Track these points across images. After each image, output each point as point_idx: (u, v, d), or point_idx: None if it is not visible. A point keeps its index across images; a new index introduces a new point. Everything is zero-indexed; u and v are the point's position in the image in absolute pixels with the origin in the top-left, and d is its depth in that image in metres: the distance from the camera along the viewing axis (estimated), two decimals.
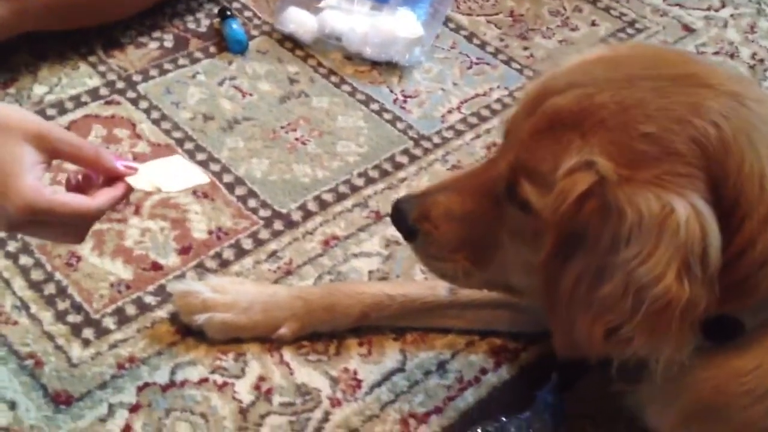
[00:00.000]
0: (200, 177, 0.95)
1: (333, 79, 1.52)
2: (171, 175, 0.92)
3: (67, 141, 0.83)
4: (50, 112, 1.38)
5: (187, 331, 1.09)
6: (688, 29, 1.70)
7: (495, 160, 0.84)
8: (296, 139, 1.39)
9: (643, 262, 0.68)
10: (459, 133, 1.43)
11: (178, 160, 0.97)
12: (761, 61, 1.63)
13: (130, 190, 0.88)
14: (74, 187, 0.87)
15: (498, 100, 1.50)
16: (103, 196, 0.85)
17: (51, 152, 0.82)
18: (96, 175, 0.88)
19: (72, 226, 0.85)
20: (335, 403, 1.03)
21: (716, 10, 1.75)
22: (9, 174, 0.77)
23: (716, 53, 1.64)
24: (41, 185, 0.79)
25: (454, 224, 0.87)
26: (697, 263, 0.67)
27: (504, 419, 0.97)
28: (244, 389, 1.04)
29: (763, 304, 0.74)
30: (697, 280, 0.68)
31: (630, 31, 1.68)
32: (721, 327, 0.74)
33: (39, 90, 1.42)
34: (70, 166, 0.90)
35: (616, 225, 0.69)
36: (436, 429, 1.02)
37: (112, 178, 0.87)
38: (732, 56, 1.64)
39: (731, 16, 1.74)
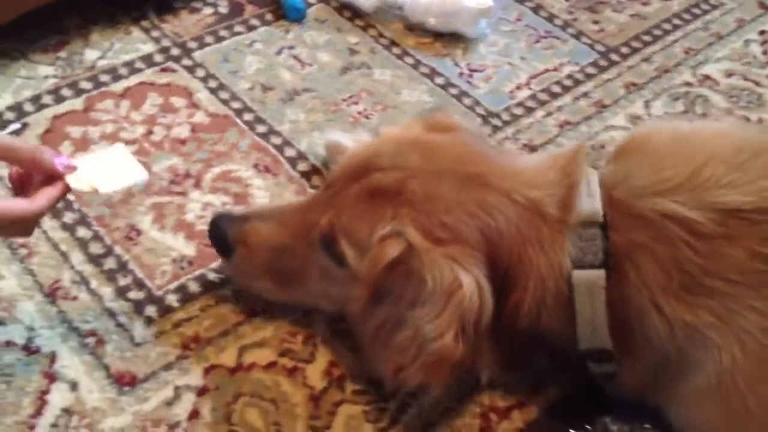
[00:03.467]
0: (139, 174, 0.93)
1: (395, 50, 1.45)
2: (110, 172, 0.90)
3: (1, 145, 0.84)
4: (103, 78, 1.33)
5: (252, 311, 1.04)
6: (764, 7, 1.62)
7: (317, 207, 0.93)
8: (359, 113, 1.33)
9: (430, 321, 0.82)
10: (529, 111, 1.36)
11: (120, 151, 0.94)
12: None
13: (68, 188, 0.87)
14: (17, 179, 0.88)
15: (569, 76, 1.43)
16: (42, 198, 0.85)
17: None
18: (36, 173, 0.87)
19: (16, 227, 0.86)
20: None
21: None
22: None
23: None
24: None
25: (268, 253, 0.96)
26: (471, 327, 0.83)
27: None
28: (315, 375, 0.99)
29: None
30: (469, 339, 0.83)
31: (704, 6, 1.60)
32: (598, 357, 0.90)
33: (91, 55, 1.37)
34: None
35: (416, 288, 0.83)
36: (519, 425, 0.96)
37: (52, 176, 0.87)
38: None
39: None
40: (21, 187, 0.88)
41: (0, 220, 0.82)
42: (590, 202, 0.85)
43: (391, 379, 0.89)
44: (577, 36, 1.51)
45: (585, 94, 1.40)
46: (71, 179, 0.87)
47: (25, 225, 0.86)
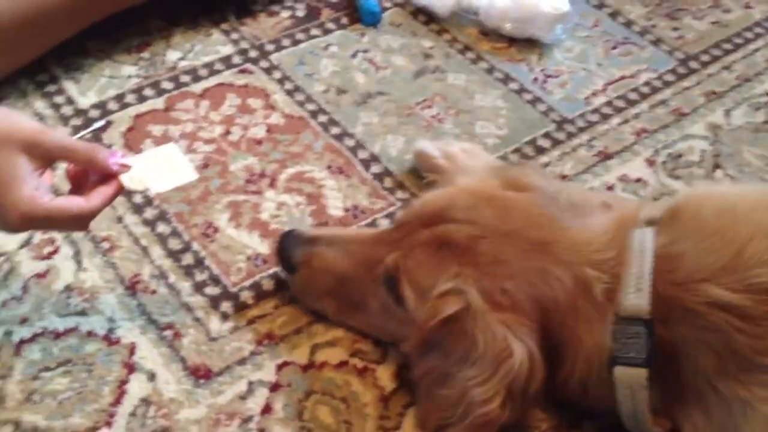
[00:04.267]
0: (190, 174, 0.97)
1: (469, 55, 1.45)
2: (162, 172, 0.94)
3: (60, 145, 0.86)
4: (184, 78, 1.36)
5: None
6: None
7: (385, 244, 0.94)
8: (432, 117, 1.33)
9: (479, 385, 0.84)
10: (605, 117, 1.35)
11: (172, 150, 0.98)
12: None
13: (122, 187, 0.91)
14: (74, 176, 0.91)
15: (646, 83, 1.41)
16: (97, 197, 0.89)
17: (45, 158, 0.86)
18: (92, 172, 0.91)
19: (73, 224, 0.90)
20: None
21: None
22: (5, 188, 0.82)
23: None
24: (37, 194, 0.84)
25: (331, 279, 0.98)
26: (519, 395, 0.85)
27: None
28: (385, 376, 1.00)
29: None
30: (517, 405, 0.85)
31: None
32: None
33: (172, 55, 1.40)
34: None
35: (467, 347, 0.85)
36: None
37: (107, 175, 0.90)
38: None
39: None
40: (77, 184, 0.91)
41: (59, 217, 0.86)
42: (636, 297, 0.84)
43: (432, 430, 0.91)
44: (656, 43, 1.49)
45: (663, 102, 1.38)
46: (125, 178, 0.91)
47: (81, 221, 0.90)
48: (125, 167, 0.91)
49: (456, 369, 0.87)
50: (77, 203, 0.87)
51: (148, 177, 0.93)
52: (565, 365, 0.88)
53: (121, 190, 0.92)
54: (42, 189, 0.85)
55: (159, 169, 0.95)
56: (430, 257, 0.89)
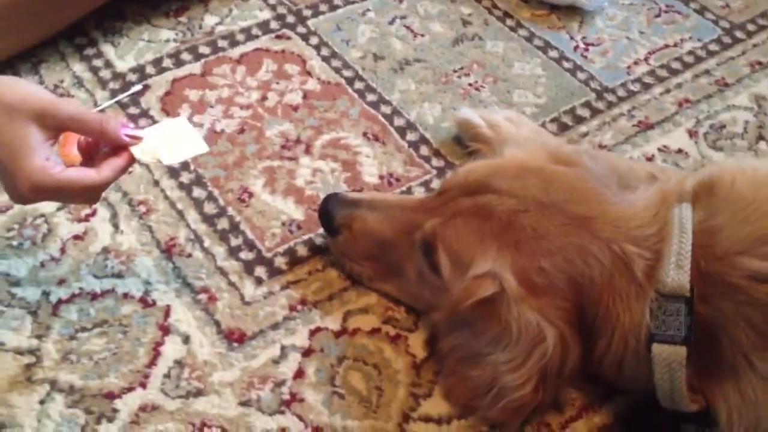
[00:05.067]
0: (201, 146, 0.95)
1: (509, 22, 1.43)
2: (173, 144, 0.93)
3: (70, 115, 0.85)
4: (221, 43, 1.36)
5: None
6: None
7: (425, 210, 0.94)
8: (470, 85, 1.32)
9: (512, 371, 0.85)
10: (646, 87, 1.32)
11: (182, 123, 0.96)
12: None
13: (133, 159, 0.90)
14: (85, 148, 0.91)
15: (690, 53, 1.38)
16: (108, 168, 0.88)
17: (56, 128, 0.85)
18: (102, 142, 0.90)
19: (84, 196, 0.89)
20: None
21: None
22: (16, 158, 0.82)
23: None
24: (48, 164, 0.83)
25: (370, 242, 0.99)
26: (553, 377, 0.85)
27: None
28: (417, 344, 1.00)
29: None
30: (552, 387, 0.86)
31: None
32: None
33: (210, 20, 1.40)
34: None
35: (500, 332, 0.85)
36: None
37: (117, 147, 0.89)
38: None
39: None
40: (88, 155, 0.91)
41: (69, 188, 0.85)
42: (677, 274, 0.82)
43: (459, 408, 0.92)
44: (701, 11, 1.45)
45: (706, 72, 1.35)
46: (135, 150, 0.90)
47: (91, 193, 0.89)
48: (136, 139, 0.90)
49: (486, 351, 0.87)
50: (88, 175, 0.87)
51: (158, 149, 0.91)
52: (601, 342, 0.87)
53: (132, 162, 0.91)
54: (53, 159, 0.85)
55: (170, 141, 0.93)
56: (470, 229, 0.89)
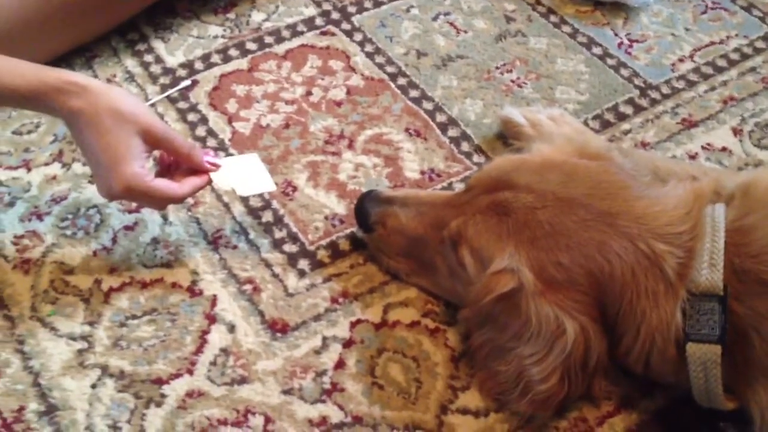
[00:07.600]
0: (270, 184, 1.06)
1: (552, 18, 1.43)
2: (246, 177, 1.05)
3: (167, 138, 0.97)
4: (268, 39, 1.39)
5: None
6: None
7: (453, 207, 0.95)
8: (512, 81, 1.33)
9: (536, 364, 0.86)
10: (691, 84, 1.32)
11: (254, 160, 1.08)
12: None
13: (210, 182, 1.03)
14: (167, 162, 1.03)
15: (736, 50, 1.37)
16: (188, 185, 1.01)
17: (154, 145, 0.97)
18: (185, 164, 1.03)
19: (160, 204, 1.02)
20: None
21: None
22: (120, 159, 0.93)
23: None
24: (143, 172, 0.95)
25: (403, 239, 1.01)
26: (579, 369, 0.86)
27: None
28: (455, 337, 1.01)
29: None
30: (577, 379, 0.87)
31: None
32: None
33: (257, 17, 1.43)
34: None
35: (521, 326, 0.87)
36: None
37: (197, 169, 1.02)
38: None
39: None
40: (167, 169, 1.02)
41: (154, 195, 0.96)
42: (710, 273, 0.82)
43: (490, 399, 0.95)
44: (748, 8, 1.44)
45: (752, 69, 1.34)
46: (214, 176, 1.02)
47: (168, 202, 1.02)
48: (216, 166, 1.02)
49: (511, 345, 0.88)
50: (171, 187, 0.98)
51: (234, 179, 1.03)
52: (626, 338, 0.87)
53: (208, 184, 1.03)
54: (146, 168, 0.96)
55: (243, 174, 1.05)
56: (489, 226, 0.90)
